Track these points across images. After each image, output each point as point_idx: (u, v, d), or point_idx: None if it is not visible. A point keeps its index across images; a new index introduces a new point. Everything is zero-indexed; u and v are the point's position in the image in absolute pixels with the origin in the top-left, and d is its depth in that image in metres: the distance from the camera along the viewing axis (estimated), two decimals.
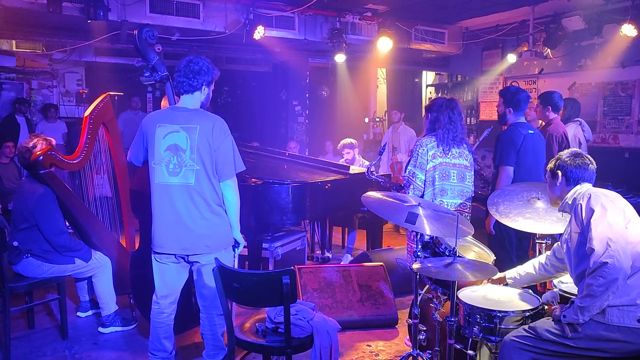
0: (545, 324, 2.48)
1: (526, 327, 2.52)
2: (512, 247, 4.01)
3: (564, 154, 2.72)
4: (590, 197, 2.48)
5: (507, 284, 3.00)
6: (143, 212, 3.69)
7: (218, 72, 3.13)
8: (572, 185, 2.65)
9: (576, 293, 2.67)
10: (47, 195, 3.84)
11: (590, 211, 2.42)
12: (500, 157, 3.99)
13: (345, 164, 6.06)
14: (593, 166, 2.67)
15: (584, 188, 2.61)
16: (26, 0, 5.68)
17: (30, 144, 3.86)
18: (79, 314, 4.42)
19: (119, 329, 4.15)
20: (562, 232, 2.82)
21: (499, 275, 3.03)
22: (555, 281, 2.91)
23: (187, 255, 3.08)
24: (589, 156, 2.70)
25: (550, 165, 2.76)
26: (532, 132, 4.09)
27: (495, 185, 4.01)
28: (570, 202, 2.61)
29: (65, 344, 3.94)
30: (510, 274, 3.00)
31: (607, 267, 2.26)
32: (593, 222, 2.38)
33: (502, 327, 2.61)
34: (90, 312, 4.43)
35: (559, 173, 2.67)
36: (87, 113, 4.24)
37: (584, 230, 2.43)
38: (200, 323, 3.24)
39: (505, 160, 3.97)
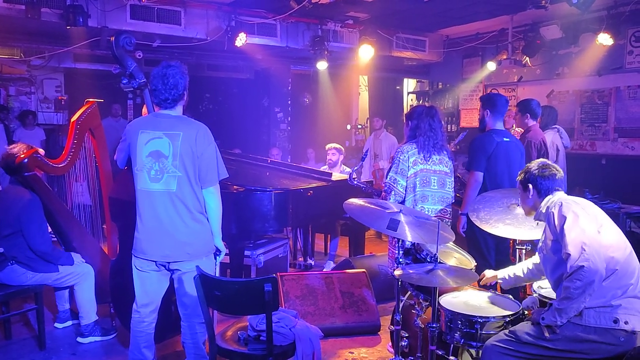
0: (524, 327, 2.52)
1: (506, 331, 2.55)
2: (489, 250, 4.05)
3: (532, 166, 2.78)
4: (561, 205, 2.54)
5: (496, 283, 3.08)
6: (121, 219, 3.66)
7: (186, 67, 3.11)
8: (543, 196, 2.71)
9: (555, 297, 2.71)
10: (34, 201, 3.82)
11: (563, 218, 2.48)
12: (470, 162, 4.08)
13: (327, 168, 6.08)
14: (560, 174, 2.74)
15: (556, 197, 2.67)
16: (4, 5, 5.60)
17: (15, 150, 3.89)
18: (56, 324, 4.33)
19: (98, 338, 4.08)
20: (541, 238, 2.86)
21: (492, 273, 3.11)
22: (534, 286, 2.95)
23: (168, 263, 3.05)
24: (555, 165, 2.77)
25: (520, 177, 2.82)
26: (507, 139, 4.13)
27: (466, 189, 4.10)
28: (544, 211, 2.67)
29: (43, 355, 3.87)
30: (502, 274, 3.08)
31: (583, 270, 2.32)
32: (566, 229, 2.44)
33: (483, 332, 2.63)
34: (68, 323, 4.35)
35: (530, 186, 2.73)
36: (74, 118, 4.26)
37: (558, 238, 2.49)
38: (181, 331, 3.20)
39: (475, 165, 4.03)
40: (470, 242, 4.11)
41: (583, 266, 2.32)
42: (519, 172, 2.85)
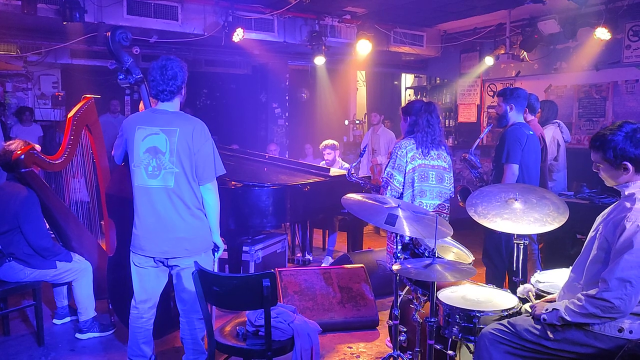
0: (525, 322, 2.47)
1: (505, 322, 2.52)
2: (508, 248, 4.04)
3: (617, 136, 2.33)
4: (639, 231, 2.21)
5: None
6: (119, 216, 3.65)
7: (186, 64, 3.11)
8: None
9: (551, 292, 2.70)
10: (31, 197, 3.82)
11: (629, 245, 2.20)
12: (507, 155, 4.01)
13: (325, 166, 6.07)
14: None
15: None
16: (0, 1, 5.58)
17: (12, 146, 3.90)
18: (55, 321, 4.34)
19: (96, 334, 4.09)
20: (538, 232, 2.85)
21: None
22: (532, 280, 2.95)
23: (167, 259, 3.05)
24: None
25: (602, 150, 2.38)
26: (531, 132, 4.16)
27: (501, 182, 4.05)
28: (627, 193, 2.36)
29: (41, 351, 3.87)
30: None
31: (611, 308, 2.18)
32: (625, 258, 2.18)
33: (481, 326, 2.63)
34: (67, 319, 4.35)
35: (629, 164, 2.33)
36: (71, 114, 4.26)
37: (611, 248, 2.28)
38: (179, 327, 3.21)
39: (512, 158, 4.00)
40: (490, 237, 4.09)
41: (613, 304, 2.15)
42: (596, 139, 2.41)
